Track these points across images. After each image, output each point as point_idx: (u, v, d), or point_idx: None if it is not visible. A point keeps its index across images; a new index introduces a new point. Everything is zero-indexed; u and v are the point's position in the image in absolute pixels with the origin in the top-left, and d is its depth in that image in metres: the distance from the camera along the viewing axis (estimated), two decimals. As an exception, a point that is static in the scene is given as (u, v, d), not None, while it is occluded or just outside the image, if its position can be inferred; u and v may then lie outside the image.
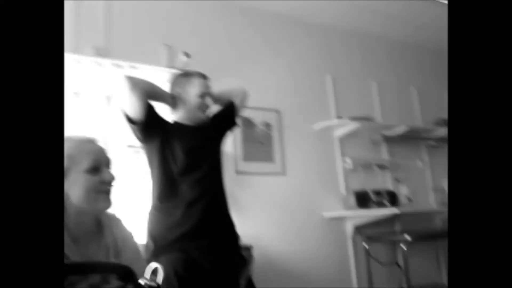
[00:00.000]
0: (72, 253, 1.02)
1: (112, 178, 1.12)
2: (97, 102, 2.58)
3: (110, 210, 1.18)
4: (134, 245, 1.22)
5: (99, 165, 1.10)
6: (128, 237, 1.21)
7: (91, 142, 1.14)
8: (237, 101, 2.08)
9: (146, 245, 1.68)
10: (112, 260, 1.12)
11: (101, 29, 2.73)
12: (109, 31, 2.76)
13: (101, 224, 1.16)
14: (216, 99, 2.01)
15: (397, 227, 3.42)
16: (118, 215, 1.24)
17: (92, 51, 2.56)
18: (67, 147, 1.05)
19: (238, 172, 2.96)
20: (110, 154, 1.16)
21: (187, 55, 2.64)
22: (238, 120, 2.14)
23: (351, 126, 3.34)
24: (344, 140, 3.49)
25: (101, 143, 1.16)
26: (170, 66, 2.70)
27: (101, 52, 2.61)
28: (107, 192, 1.11)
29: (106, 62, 2.36)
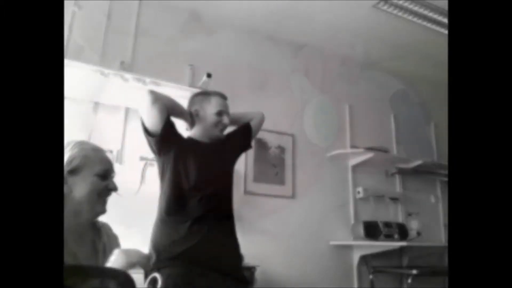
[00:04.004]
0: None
1: (115, 188, 1.20)
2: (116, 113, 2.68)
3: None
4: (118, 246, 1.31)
5: (108, 174, 1.19)
6: (115, 238, 1.31)
7: (104, 152, 1.23)
8: (253, 123, 2.11)
9: (149, 256, 1.66)
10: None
11: (129, 46, 2.86)
12: (136, 48, 2.89)
13: (97, 227, 1.23)
14: (233, 120, 2.04)
15: (405, 260, 3.38)
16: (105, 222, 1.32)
17: (118, 66, 2.66)
18: (84, 149, 1.14)
19: (247, 192, 2.99)
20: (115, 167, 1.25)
21: (209, 75, 2.70)
22: (253, 142, 2.16)
23: (365, 155, 3.36)
24: (358, 169, 3.51)
25: (109, 155, 1.26)
26: (192, 85, 2.78)
27: (127, 67, 2.72)
28: (105, 199, 1.19)
29: (130, 77, 2.43)
